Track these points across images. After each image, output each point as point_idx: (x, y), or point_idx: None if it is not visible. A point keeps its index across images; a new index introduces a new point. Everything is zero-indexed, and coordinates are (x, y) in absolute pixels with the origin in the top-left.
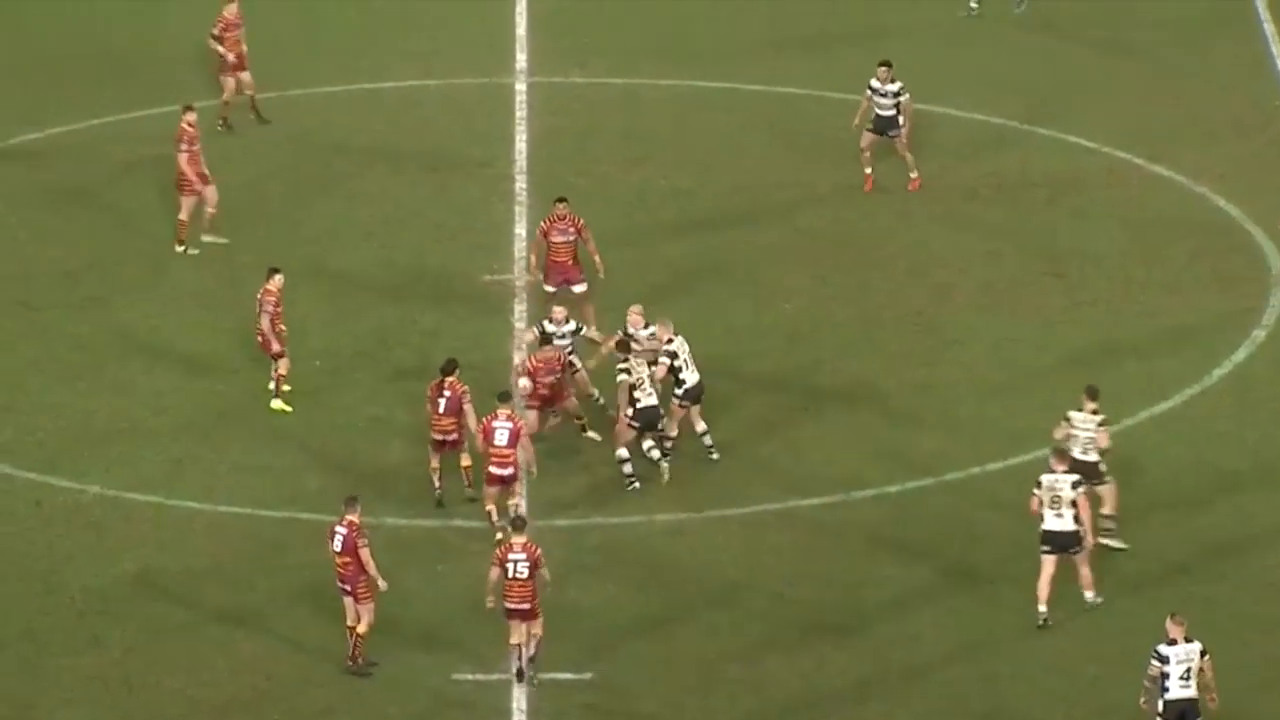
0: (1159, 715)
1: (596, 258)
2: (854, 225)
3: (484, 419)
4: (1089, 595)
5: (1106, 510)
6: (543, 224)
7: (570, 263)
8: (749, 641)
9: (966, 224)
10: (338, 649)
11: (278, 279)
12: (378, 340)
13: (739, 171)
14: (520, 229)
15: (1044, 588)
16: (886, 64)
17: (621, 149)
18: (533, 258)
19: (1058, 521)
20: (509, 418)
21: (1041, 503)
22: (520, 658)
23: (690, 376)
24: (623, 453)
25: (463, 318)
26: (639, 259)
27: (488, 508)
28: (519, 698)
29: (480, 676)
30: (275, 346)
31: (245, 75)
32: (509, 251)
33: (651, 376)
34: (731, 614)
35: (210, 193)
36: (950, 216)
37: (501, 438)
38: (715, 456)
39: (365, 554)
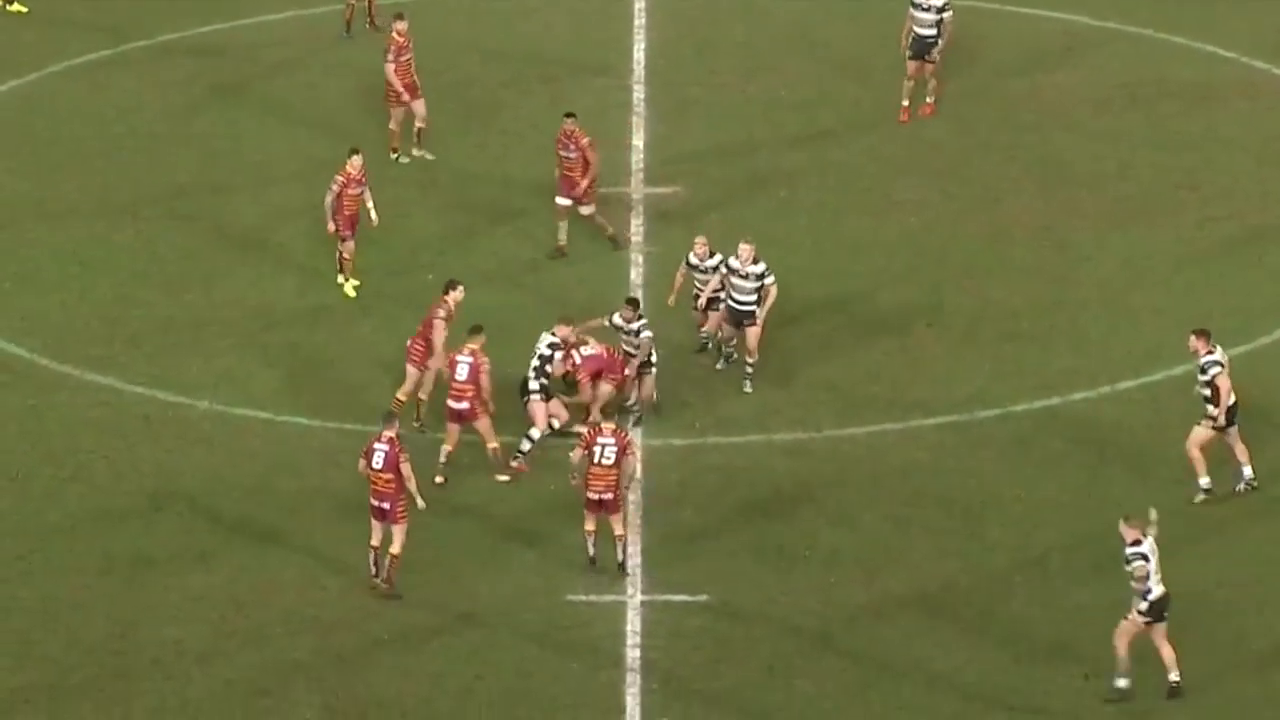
0: (1141, 614)
1: (584, 183)
2: (982, 138)
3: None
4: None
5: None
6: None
7: (578, 178)
8: (869, 565)
9: (1098, 136)
10: (455, 573)
11: (356, 160)
12: (490, 254)
13: (862, 83)
14: (638, 140)
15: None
16: None
17: (742, 59)
18: (557, 172)
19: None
20: (472, 353)
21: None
22: (594, 544)
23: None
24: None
25: (577, 232)
26: (758, 171)
27: (446, 447)
28: (633, 619)
29: (594, 598)
30: (330, 226)
31: None
32: (625, 163)
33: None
34: (852, 536)
35: (419, 106)
36: (1081, 128)
37: (462, 372)
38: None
39: (407, 469)
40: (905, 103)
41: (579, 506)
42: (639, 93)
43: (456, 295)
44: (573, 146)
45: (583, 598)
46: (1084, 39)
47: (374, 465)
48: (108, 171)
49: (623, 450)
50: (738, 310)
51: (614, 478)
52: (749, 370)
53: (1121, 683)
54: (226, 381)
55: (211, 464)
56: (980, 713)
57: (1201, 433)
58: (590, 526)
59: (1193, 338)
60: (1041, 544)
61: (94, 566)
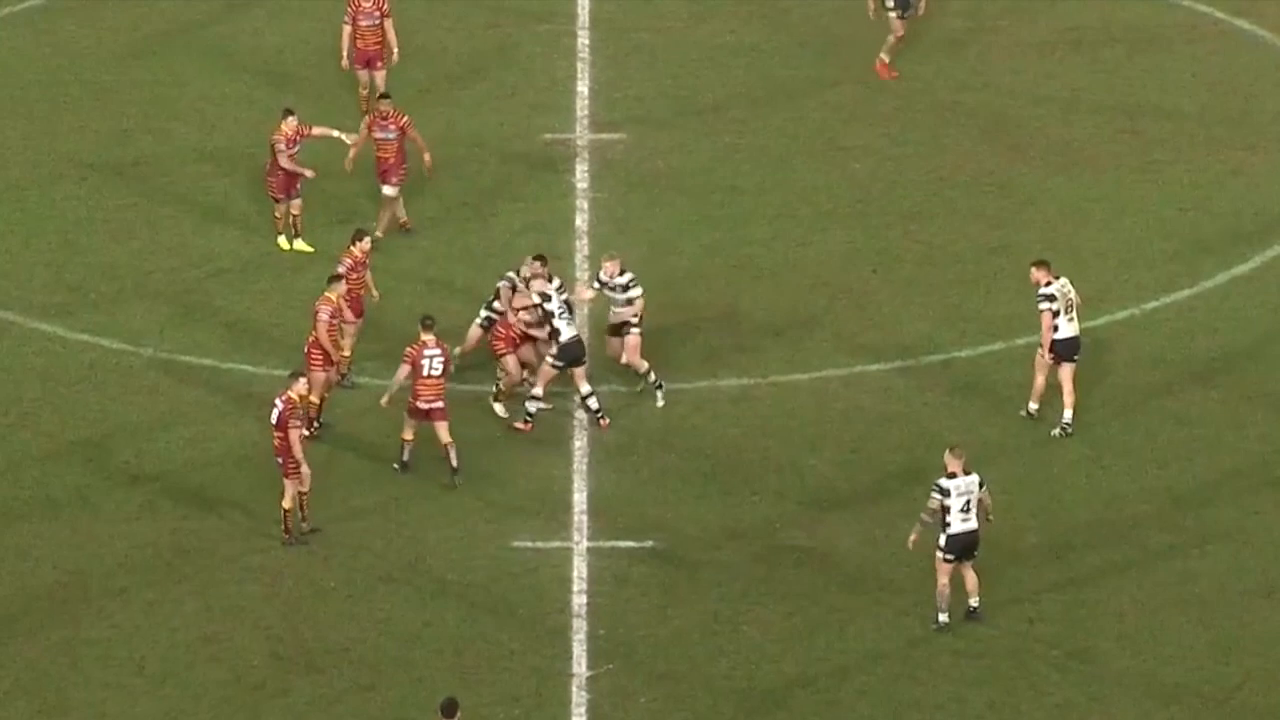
0: (941, 549)
1: (426, 156)
2: (928, 82)
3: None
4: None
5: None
6: (368, 119)
7: (392, 160)
8: (815, 510)
9: (1042, 80)
10: (402, 520)
11: (291, 120)
12: (435, 199)
13: (809, 28)
14: (583, 86)
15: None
16: None
17: (687, 3)
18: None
19: (1070, 328)
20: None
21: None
22: (410, 452)
23: (566, 331)
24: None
25: (522, 178)
26: (704, 117)
27: (405, 435)
28: (579, 565)
29: (540, 544)
30: (275, 190)
31: None
32: (571, 110)
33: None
34: (797, 481)
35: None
36: (1026, 72)
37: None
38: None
39: (294, 435)
40: (887, 58)
41: (527, 453)
42: (584, 38)
43: (364, 245)
44: (391, 127)
45: (529, 544)
46: None
47: (271, 420)
48: (51, 118)
49: (449, 363)
50: (614, 322)
51: (442, 387)
52: (652, 382)
53: (942, 618)
54: (171, 328)
55: (156, 411)
56: (926, 657)
57: (1039, 360)
58: (409, 436)
59: (1033, 269)
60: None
61: (39, 514)
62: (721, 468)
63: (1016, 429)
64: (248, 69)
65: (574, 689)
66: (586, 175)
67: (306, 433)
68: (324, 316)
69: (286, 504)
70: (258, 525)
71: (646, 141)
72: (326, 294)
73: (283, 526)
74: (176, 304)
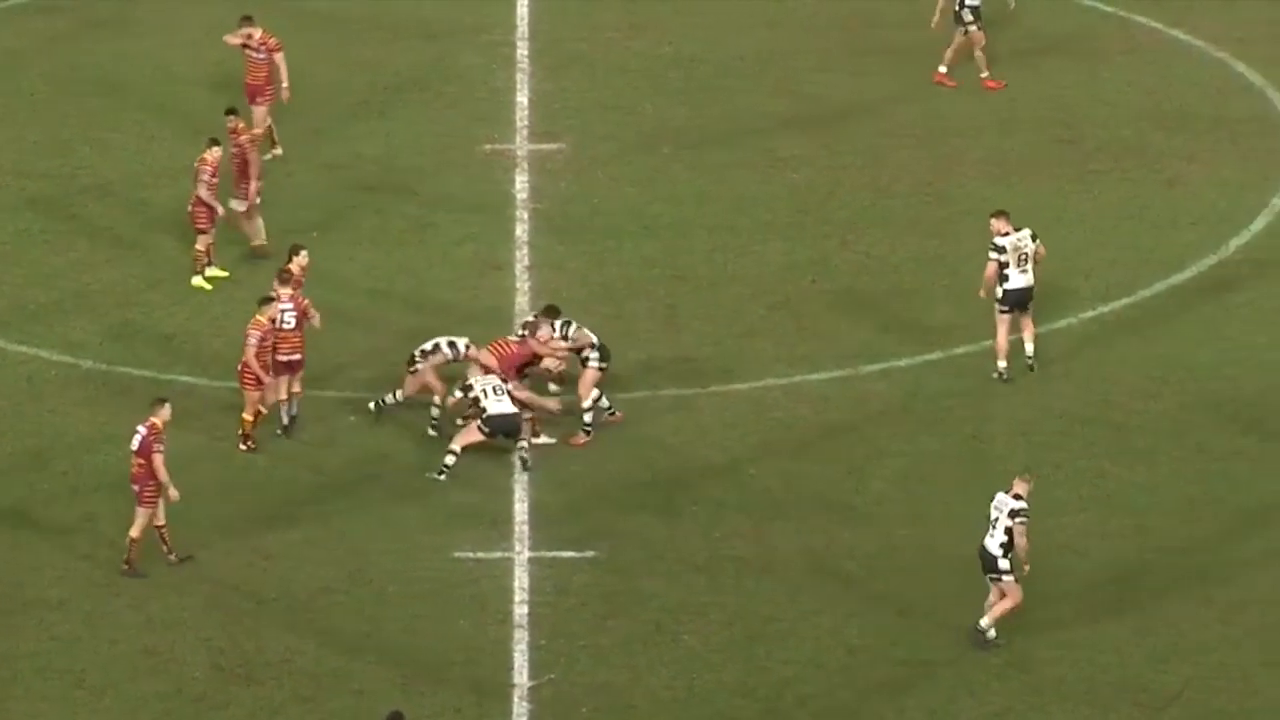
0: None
1: (252, 184)
2: (864, 93)
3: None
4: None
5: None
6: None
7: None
8: (755, 519)
9: (978, 90)
10: (343, 530)
11: (215, 150)
12: (375, 211)
13: (745, 40)
14: (522, 96)
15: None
16: None
17: (625, 14)
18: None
19: (1022, 279)
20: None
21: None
22: (287, 413)
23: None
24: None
25: (462, 188)
26: (642, 127)
27: (282, 398)
28: (521, 575)
29: (481, 555)
30: (202, 221)
31: None
32: (510, 120)
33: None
34: (737, 491)
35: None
36: (963, 82)
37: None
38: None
39: (158, 460)
40: (986, 72)
41: (468, 464)
42: (523, 49)
43: (301, 260)
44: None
45: (470, 554)
46: None
47: (131, 447)
48: None
49: (302, 315)
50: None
51: (298, 339)
52: (584, 417)
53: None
54: (109, 340)
55: (95, 423)
56: (866, 665)
57: (997, 316)
58: (283, 395)
59: (992, 219)
60: (924, 498)
61: None
62: (662, 478)
63: (956, 438)
64: (188, 81)
65: (515, 699)
66: (526, 186)
67: (243, 447)
68: (253, 340)
69: (134, 533)
70: (198, 537)
71: (586, 152)
72: (257, 316)
73: (125, 556)
74: (115, 316)
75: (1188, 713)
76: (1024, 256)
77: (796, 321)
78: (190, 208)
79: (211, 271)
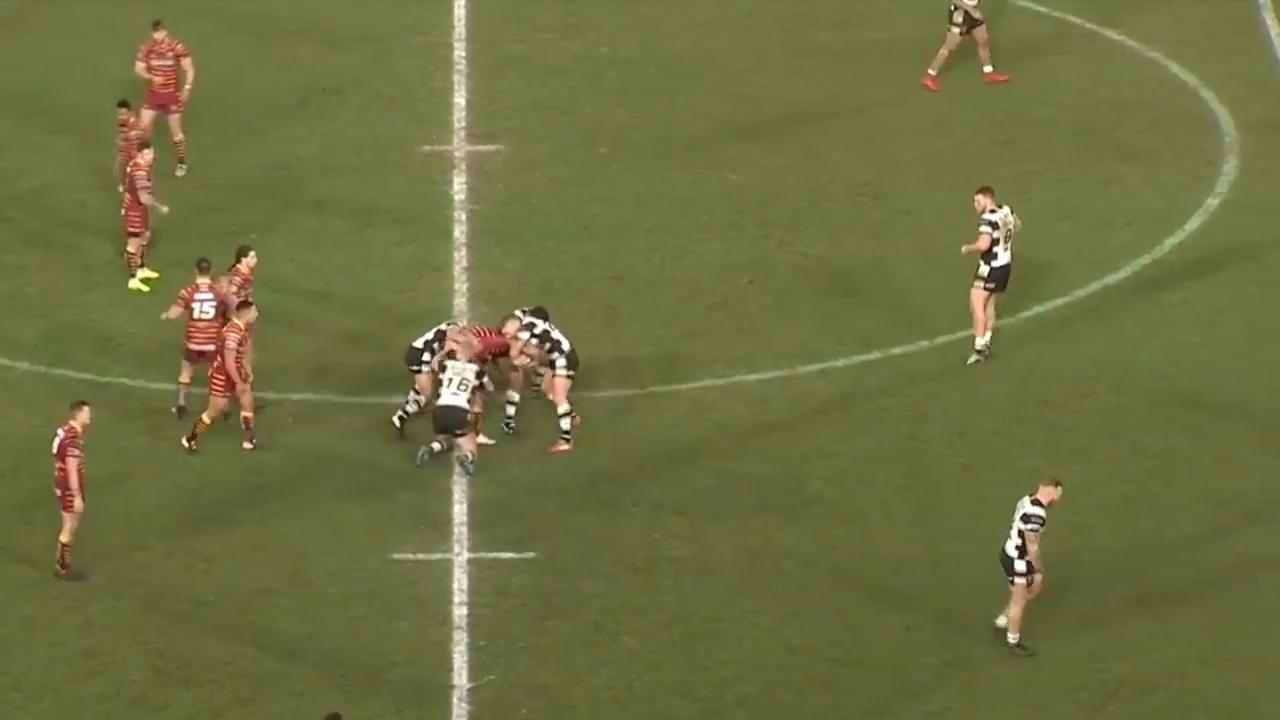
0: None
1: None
2: (801, 93)
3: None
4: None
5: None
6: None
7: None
8: (693, 520)
9: (916, 91)
10: (283, 532)
11: (147, 154)
12: (313, 213)
13: (682, 40)
14: (460, 98)
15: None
16: None
17: (562, 15)
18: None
19: (1006, 256)
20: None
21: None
22: (185, 396)
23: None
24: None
25: (400, 190)
26: (580, 127)
27: (182, 379)
28: (460, 577)
29: (421, 556)
30: (135, 224)
31: None
32: (448, 121)
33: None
34: (676, 492)
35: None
36: (900, 84)
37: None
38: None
39: (72, 464)
40: (933, 71)
41: (407, 466)
42: (461, 50)
43: (250, 261)
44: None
45: (410, 556)
46: None
47: (53, 450)
48: None
49: (221, 305)
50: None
51: (214, 330)
52: (561, 422)
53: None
54: (47, 342)
55: (33, 425)
56: (804, 665)
57: (975, 293)
58: (185, 379)
59: (978, 195)
60: (862, 497)
61: None
62: (600, 478)
63: (893, 438)
64: (122, 84)
65: (455, 700)
66: (464, 187)
67: (186, 444)
68: (232, 345)
69: (64, 538)
70: (136, 539)
71: (524, 153)
72: (234, 320)
73: (60, 561)
74: (53, 318)
75: (1125, 710)
76: (1009, 234)
77: (735, 322)
78: (124, 211)
79: (143, 273)
